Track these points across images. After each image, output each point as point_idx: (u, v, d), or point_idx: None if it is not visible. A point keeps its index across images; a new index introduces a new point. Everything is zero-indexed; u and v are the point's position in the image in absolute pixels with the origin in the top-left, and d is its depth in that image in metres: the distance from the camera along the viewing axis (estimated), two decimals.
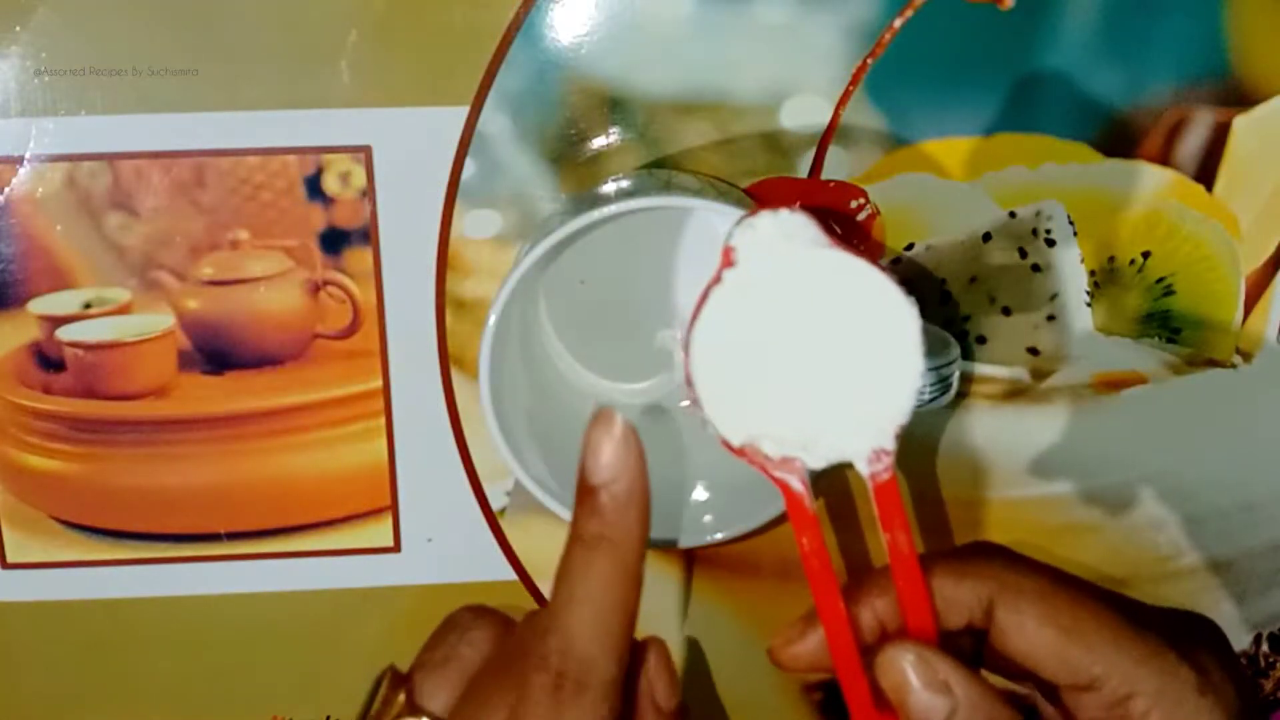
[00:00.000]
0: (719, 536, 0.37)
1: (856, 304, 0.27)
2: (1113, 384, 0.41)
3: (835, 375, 0.28)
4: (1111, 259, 0.40)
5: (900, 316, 0.27)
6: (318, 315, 0.40)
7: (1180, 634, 0.29)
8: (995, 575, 0.29)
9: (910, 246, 0.40)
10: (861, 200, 0.39)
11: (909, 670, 0.27)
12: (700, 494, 0.38)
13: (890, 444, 0.28)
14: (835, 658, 0.28)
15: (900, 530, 0.28)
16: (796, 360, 0.28)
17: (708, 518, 0.37)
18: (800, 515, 0.28)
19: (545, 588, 0.42)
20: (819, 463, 0.28)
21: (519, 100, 0.38)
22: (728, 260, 0.27)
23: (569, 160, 0.38)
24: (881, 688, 0.28)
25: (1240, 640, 0.44)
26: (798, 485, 0.28)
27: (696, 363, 0.28)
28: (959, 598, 0.29)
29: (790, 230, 0.27)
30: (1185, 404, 0.41)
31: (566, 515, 0.36)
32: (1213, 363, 0.41)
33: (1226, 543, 0.43)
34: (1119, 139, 0.39)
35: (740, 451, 0.29)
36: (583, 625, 0.26)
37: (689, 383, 0.28)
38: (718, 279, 0.28)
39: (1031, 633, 0.28)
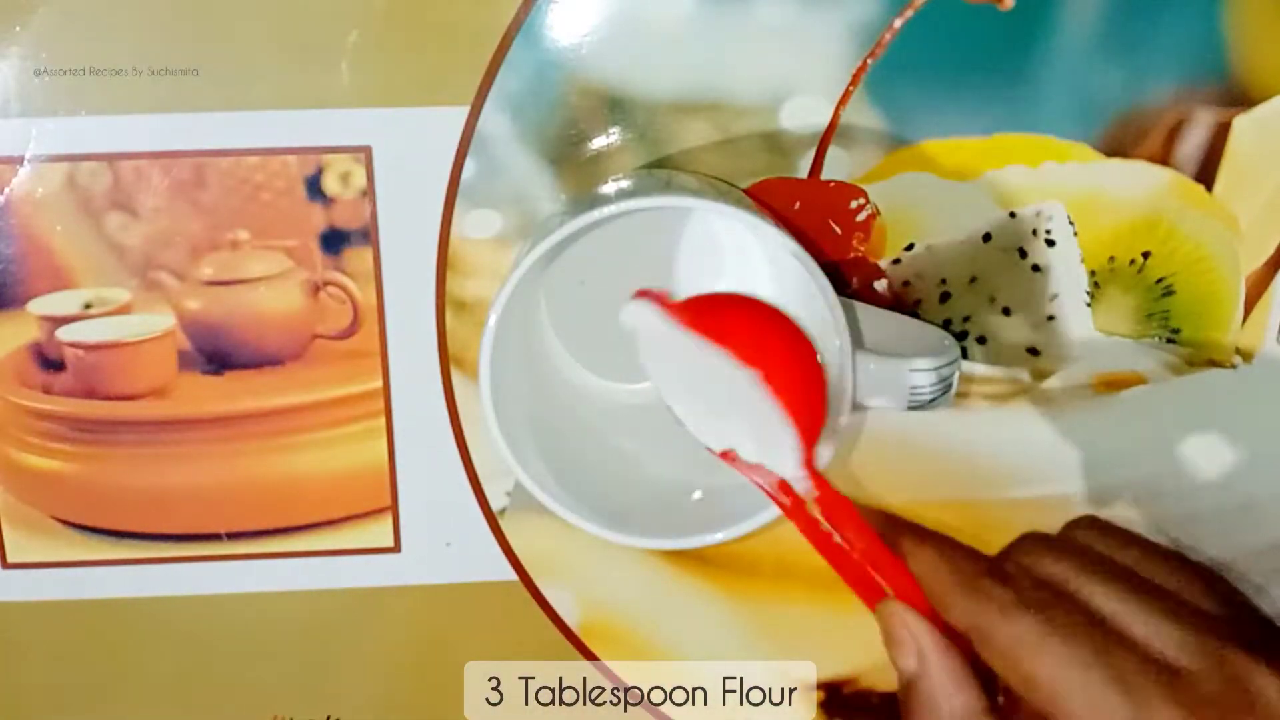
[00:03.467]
0: (719, 536, 0.37)
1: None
2: (1113, 384, 0.41)
3: (742, 414, 0.32)
4: (1111, 259, 0.40)
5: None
6: (318, 315, 0.40)
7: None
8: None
9: (910, 246, 0.40)
10: (861, 200, 0.39)
11: (897, 628, 0.31)
12: (700, 494, 0.38)
13: (800, 473, 0.32)
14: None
15: (851, 532, 0.31)
16: (724, 394, 0.32)
17: (708, 518, 0.37)
18: (784, 510, 0.32)
19: (545, 588, 0.43)
20: (777, 474, 0.32)
21: (519, 100, 0.38)
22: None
23: (569, 160, 0.38)
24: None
25: None
26: (772, 489, 0.32)
27: (663, 389, 0.33)
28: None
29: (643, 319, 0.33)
30: (1185, 404, 0.41)
31: (566, 515, 0.36)
32: (1213, 363, 0.41)
33: (1226, 543, 0.43)
34: (1119, 139, 0.39)
35: (724, 455, 0.32)
36: None
37: (667, 403, 0.32)
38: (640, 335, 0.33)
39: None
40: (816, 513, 0.32)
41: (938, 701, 0.30)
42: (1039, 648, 0.28)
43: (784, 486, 0.32)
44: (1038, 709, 0.28)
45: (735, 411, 0.32)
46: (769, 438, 0.32)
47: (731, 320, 0.32)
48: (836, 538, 0.31)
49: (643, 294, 0.33)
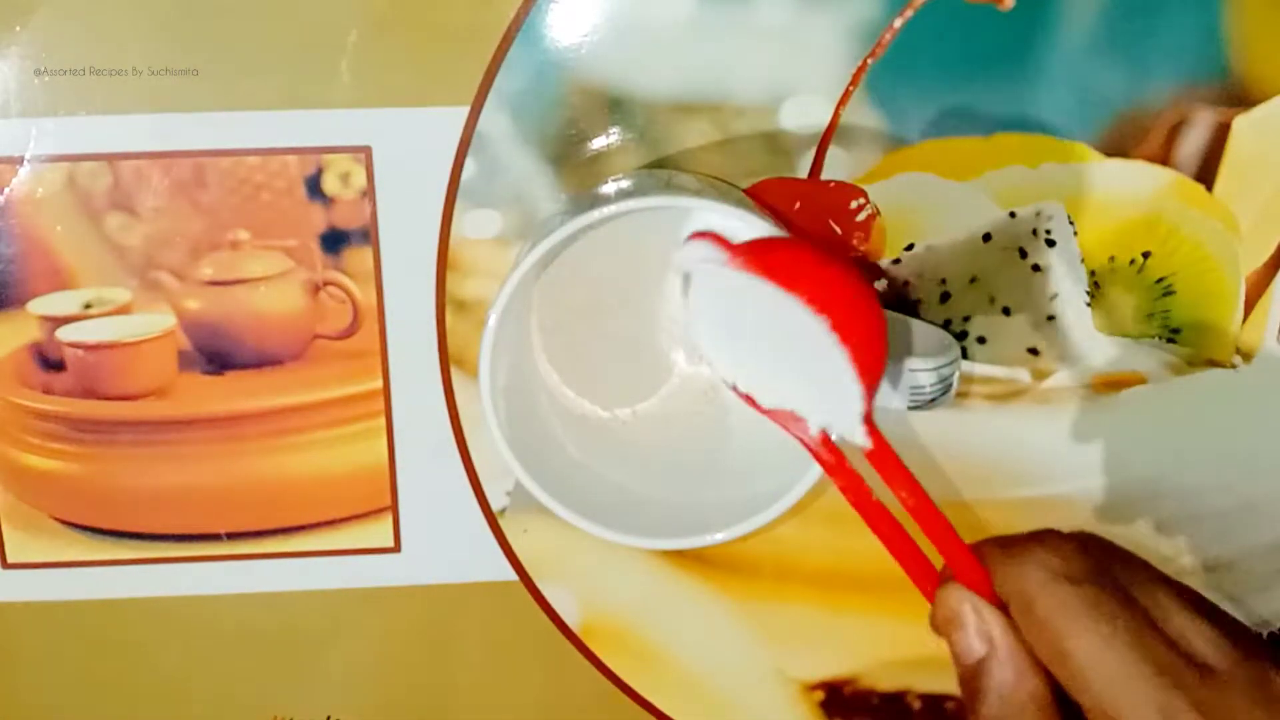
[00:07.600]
0: (719, 536, 0.37)
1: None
2: (1113, 384, 0.41)
3: (802, 364, 0.30)
4: (1111, 259, 0.40)
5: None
6: (318, 315, 0.40)
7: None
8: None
9: (910, 246, 0.40)
10: (861, 200, 0.39)
11: (965, 611, 0.30)
12: (701, 494, 0.38)
13: (860, 428, 0.30)
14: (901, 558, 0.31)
15: (902, 487, 0.30)
16: (785, 343, 0.30)
17: (708, 518, 0.37)
18: (826, 467, 0.31)
19: (545, 588, 0.43)
20: (827, 428, 0.30)
21: (519, 100, 0.38)
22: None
23: (569, 160, 0.38)
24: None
25: None
26: (815, 445, 0.30)
27: (708, 342, 0.31)
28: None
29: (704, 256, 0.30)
30: (1185, 404, 0.41)
31: (566, 515, 0.36)
32: (1213, 363, 0.41)
33: (1226, 543, 0.43)
34: (1119, 139, 0.39)
35: (771, 412, 0.31)
36: None
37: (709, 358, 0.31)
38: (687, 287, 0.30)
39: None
40: (856, 470, 0.31)
41: (1010, 685, 0.29)
42: (1077, 621, 0.28)
43: (825, 441, 0.30)
44: (1063, 683, 0.28)
45: (795, 362, 0.30)
46: (830, 390, 0.30)
47: (796, 265, 0.30)
48: (876, 496, 0.30)
49: (699, 235, 0.30)
